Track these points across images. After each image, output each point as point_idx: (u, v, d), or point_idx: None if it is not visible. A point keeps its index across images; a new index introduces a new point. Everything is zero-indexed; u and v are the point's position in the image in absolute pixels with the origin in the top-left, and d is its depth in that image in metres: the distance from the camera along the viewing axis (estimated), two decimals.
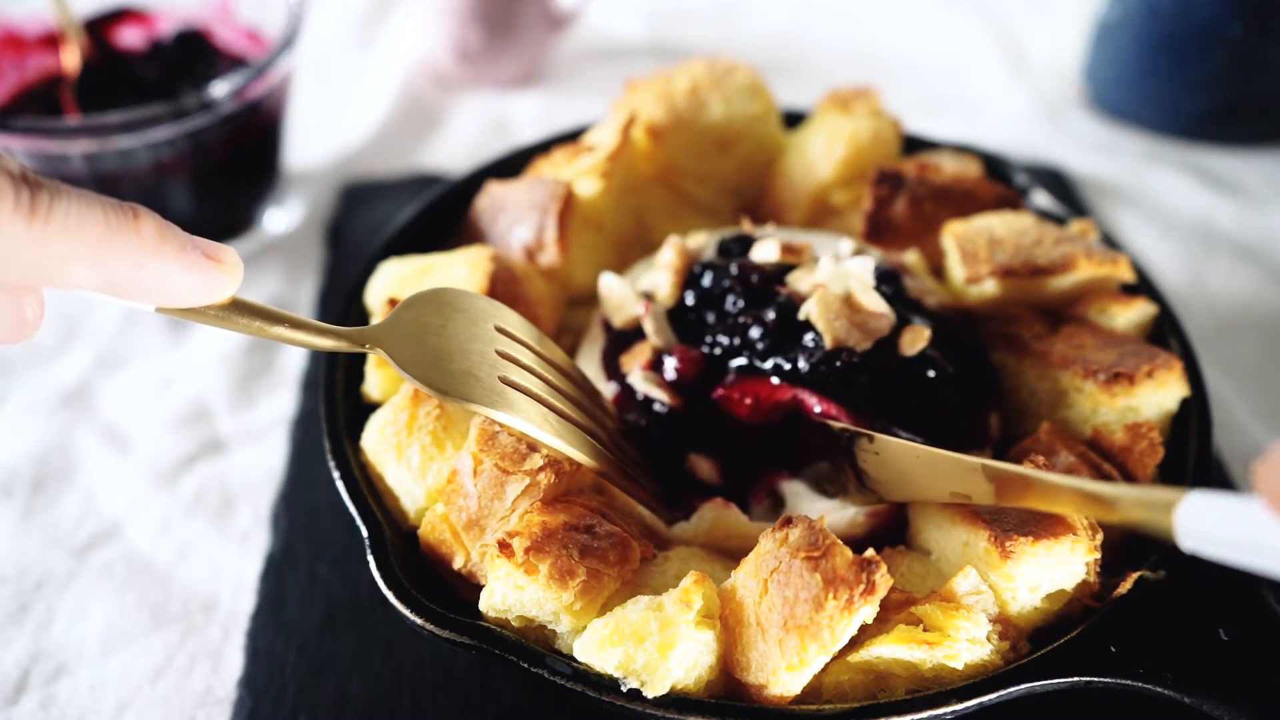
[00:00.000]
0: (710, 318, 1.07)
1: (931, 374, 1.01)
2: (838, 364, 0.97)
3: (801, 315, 1.00)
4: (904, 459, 0.91)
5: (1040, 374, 1.06)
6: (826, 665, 0.87)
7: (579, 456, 0.89)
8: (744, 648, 0.83)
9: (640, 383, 1.03)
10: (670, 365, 1.03)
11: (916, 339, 1.00)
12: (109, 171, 1.36)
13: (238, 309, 0.75)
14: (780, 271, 1.09)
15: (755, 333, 1.01)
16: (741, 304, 1.05)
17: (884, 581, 0.80)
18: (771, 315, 1.01)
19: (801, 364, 0.98)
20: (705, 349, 1.04)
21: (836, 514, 0.97)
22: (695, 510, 0.99)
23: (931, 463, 0.89)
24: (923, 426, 1.00)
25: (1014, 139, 1.87)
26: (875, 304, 1.00)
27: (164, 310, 0.70)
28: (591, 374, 1.09)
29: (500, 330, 0.92)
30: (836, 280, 1.03)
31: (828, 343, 0.98)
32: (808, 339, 1.00)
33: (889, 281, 1.08)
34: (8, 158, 0.59)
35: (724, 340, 1.03)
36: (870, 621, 0.82)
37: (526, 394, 0.88)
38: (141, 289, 0.66)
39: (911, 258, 1.20)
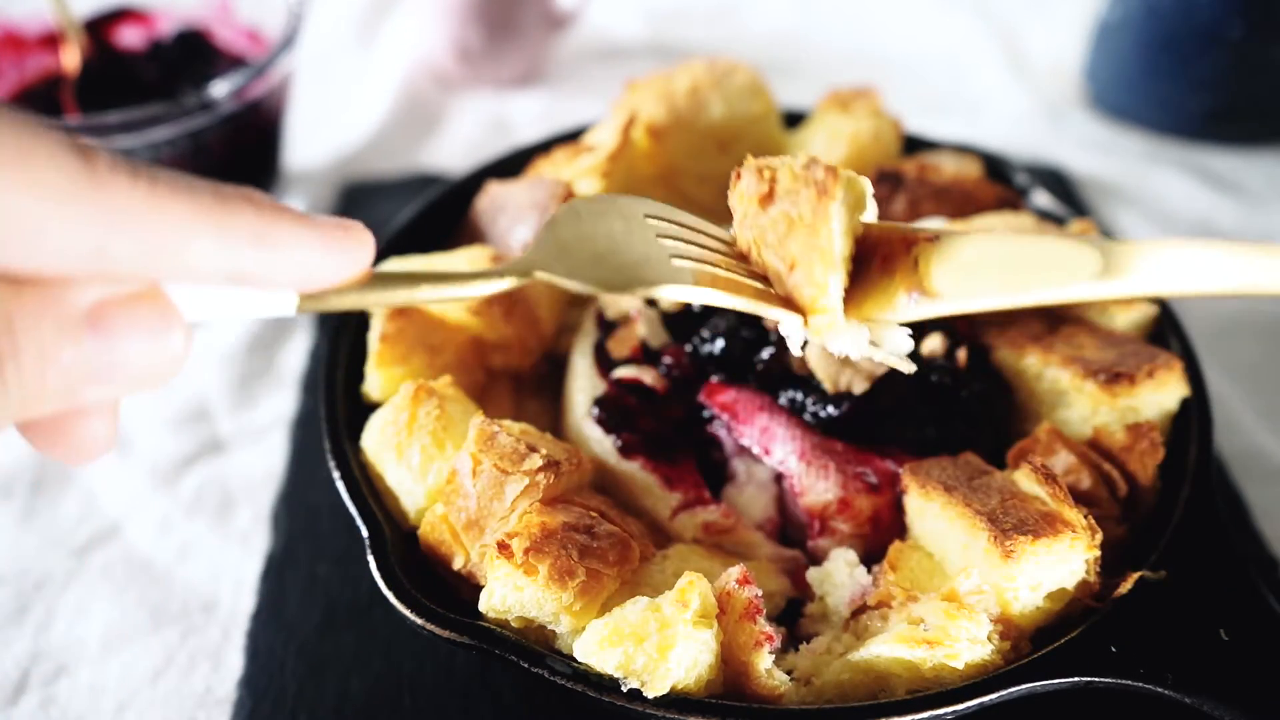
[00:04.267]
0: (722, 324, 1.07)
1: (964, 393, 1.03)
2: (833, 409, 1.00)
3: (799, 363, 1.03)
4: (1014, 252, 0.81)
5: (1040, 374, 1.06)
6: (827, 665, 0.87)
7: (768, 311, 0.83)
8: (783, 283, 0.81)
9: (626, 370, 1.04)
10: (665, 362, 1.05)
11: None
12: None
13: (380, 281, 0.66)
14: None
15: (764, 354, 1.04)
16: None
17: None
18: (769, 354, 1.04)
19: (809, 411, 1.01)
20: (709, 349, 1.05)
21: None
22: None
23: (1048, 251, 0.79)
24: (944, 438, 1.02)
25: (1014, 139, 1.87)
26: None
27: (307, 303, 0.61)
28: (585, 369, 1.09)
29: (650, 216, 0.85)
30: None
31: (828, 388, 1.00)
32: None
33: None
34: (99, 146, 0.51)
35: (730, 354, 1.05)
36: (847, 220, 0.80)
37: (700, 262, 0.82)
38: (274, 270, 0.57)
39: None
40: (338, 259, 0.61)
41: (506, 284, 0.72)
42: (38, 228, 0.48)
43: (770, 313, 0.83)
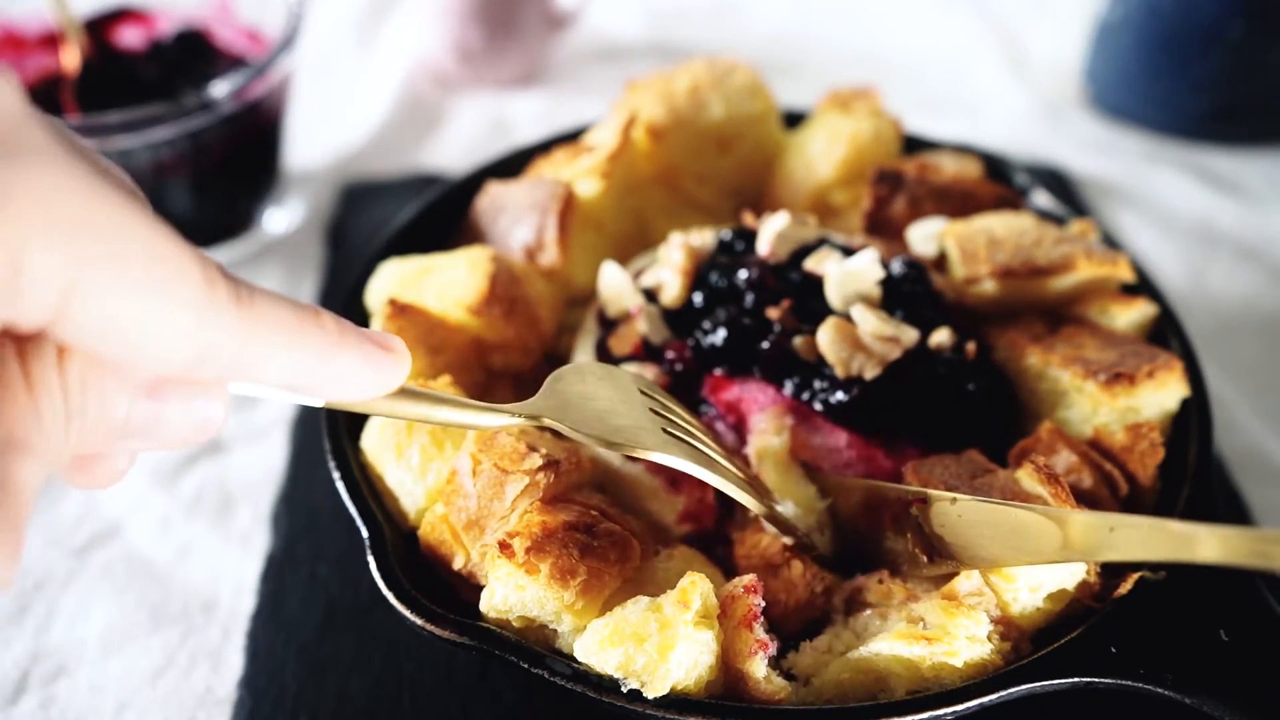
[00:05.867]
0: (724, 314, 1.07)
1: (971, 386, 1.02)
2: (842, 395, 0.99)
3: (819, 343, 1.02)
4: (986, 518, 0.86)
5: (1040, 374, 1.06)
6: (827, 664, 0.87)
7: (742, 498, 0.91)
8: None
9: (627, 367, 1.04)
10: (667, 357, 1.05)
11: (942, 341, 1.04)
12: None
13: (407, 396, 0.72)
14: (794, 262, 1.11)
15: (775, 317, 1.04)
16: (754, 298, 1.06)
17: None
18: (771, 340, 1.03)
19: (818, 396, 1.01)
20: (720, 335, 1.05)
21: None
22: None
23: (1008, 521, 0.84)
24: (950, 429, 1.01)
25: (1014, 139, 1.87)
26: (880, 336, 1.02)
27: (335, 402, 0.67)
28: None
29: (643, 392, 0.95)
30: (849, 280, 1.05)
31: (839, 374, 1.00)
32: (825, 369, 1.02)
33: (917, 276, 1.08)
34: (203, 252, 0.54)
35: (747, 323, 1.04)
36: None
37: (687, 443, 0.91)
38: (326, 383, 0.63)
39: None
40: (379, 378, 0.66)
41: (517, 422, 0.81)
42: (153, 333, 0.51)
43: (744, 499, 0.92)
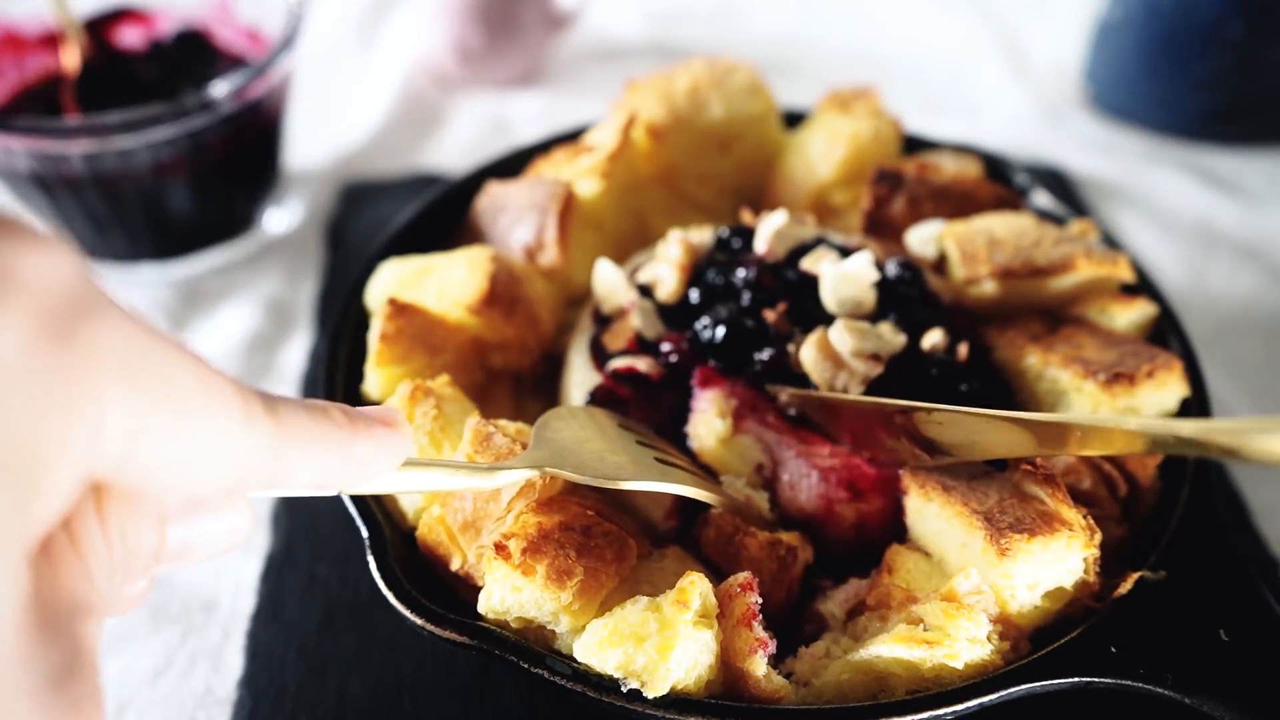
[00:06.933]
0: (724, 311, 1.07)
1: (964, 387, 1.03)
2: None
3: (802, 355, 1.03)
4: (965, 423, 0.92)
5: (1040, 374, 1.06)
6: (826, 667, 0.87)
7: (719, 502, 0.96)
8: None
9: (620, 360, 1.05)
10: (665, 349, 1.05)
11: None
12: (109, 171, 1.36)
13: (412, 466, 0.73)
14: (792, 260, 1.11)
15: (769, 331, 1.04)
16: (751, 297, 1.06)
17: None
18: (768, 354, 1.03)
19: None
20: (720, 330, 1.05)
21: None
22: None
23: (987, 425, 0.90)
24: None
25: (1014, 139, 1.87)
26: (861, 355, 1.02)
27: (348, 492, 0.68)
28: (580, 363, 1.10)
29: (623, 426, 0.99)
30: (843, 284, 1.05)
31: (824, 391, 1.00)
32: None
33: (912, 278, 1.08)
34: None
35: (748, 323, 1.05)
36: None
37: (679, 468, 0.96)
38: (346, 475, 0.64)
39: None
40: (390, 456, 0.67)
41: (522, 476, 0.83)
42: (200, 462, 0.51)
43: (718, 502, 0.96)
